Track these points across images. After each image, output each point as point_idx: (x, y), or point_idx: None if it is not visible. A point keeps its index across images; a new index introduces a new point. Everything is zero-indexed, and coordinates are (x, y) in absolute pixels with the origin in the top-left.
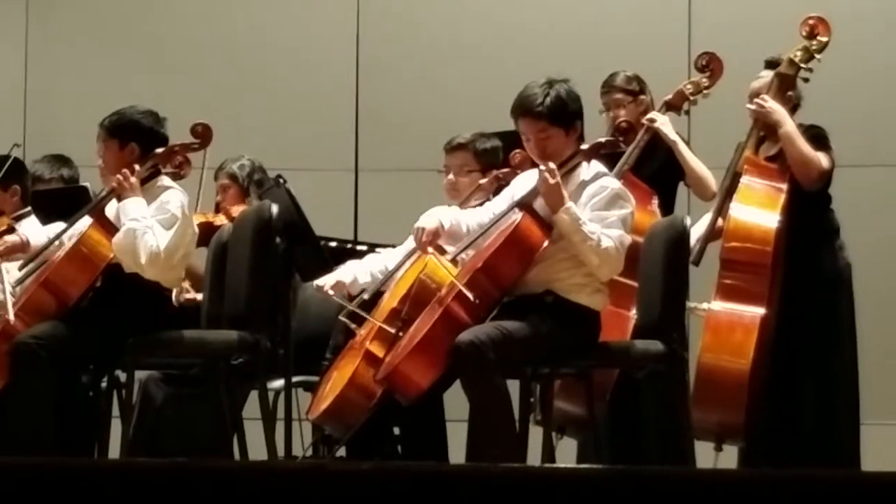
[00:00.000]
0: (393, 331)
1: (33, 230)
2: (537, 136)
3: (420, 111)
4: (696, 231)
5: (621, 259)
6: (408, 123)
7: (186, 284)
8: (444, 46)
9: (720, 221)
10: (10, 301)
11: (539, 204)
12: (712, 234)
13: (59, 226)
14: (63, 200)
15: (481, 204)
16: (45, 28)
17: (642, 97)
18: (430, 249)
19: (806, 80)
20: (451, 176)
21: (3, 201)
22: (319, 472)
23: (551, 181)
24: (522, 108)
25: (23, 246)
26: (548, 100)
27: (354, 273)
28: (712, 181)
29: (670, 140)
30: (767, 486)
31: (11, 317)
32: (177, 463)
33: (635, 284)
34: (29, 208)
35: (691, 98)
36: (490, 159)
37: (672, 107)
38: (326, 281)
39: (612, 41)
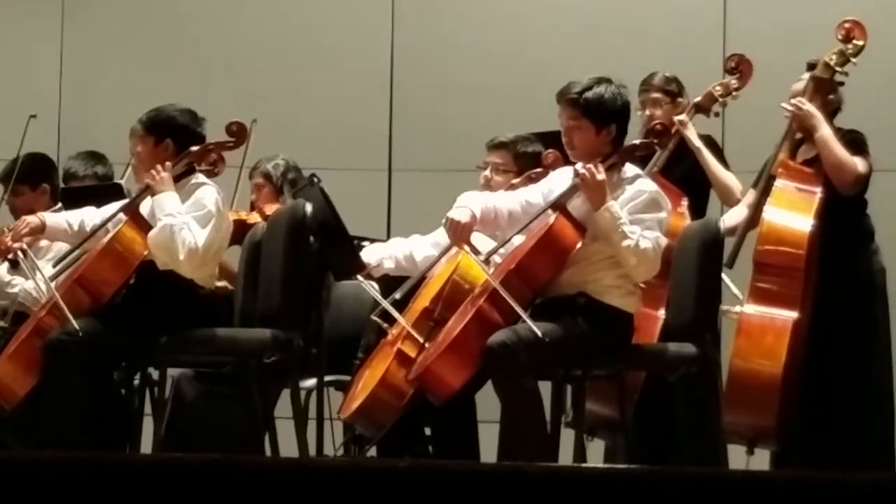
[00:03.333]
0: (422, 339)
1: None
2: (567, 124)
3: (454, 111)
4: (730, 217)
5: (658, 261)
6: (441, 123)
7: (221, 284)
8: (478, 47)
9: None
10: (42, 288)
11: (573, 205)
12: (746, 230)
13: (83, 211)
14: (96, 197)
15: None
16: (81, 26)
17: (680, 99)
18: (466, 248)
19: (841, 83)
20: (486, 172)
21: (34, 200)
22: (352, 469)
23: (597, 177)
24: (563, 92)
25: (41, 227)
26: (589, 93)
27: (380, 256)
28: (737, 188)
29: (694, 146)
30: (800, 489)
31: (57, 296)
32: (209, 459)
33: (665, 285)
34: (59, 205)
35: (721, 100)
36: (529, 163)
37: (701, 109)
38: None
39: (646, 44)
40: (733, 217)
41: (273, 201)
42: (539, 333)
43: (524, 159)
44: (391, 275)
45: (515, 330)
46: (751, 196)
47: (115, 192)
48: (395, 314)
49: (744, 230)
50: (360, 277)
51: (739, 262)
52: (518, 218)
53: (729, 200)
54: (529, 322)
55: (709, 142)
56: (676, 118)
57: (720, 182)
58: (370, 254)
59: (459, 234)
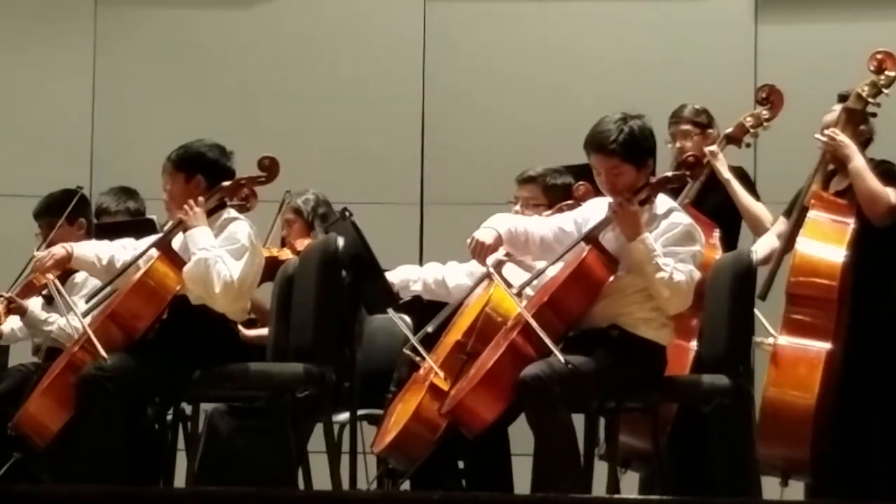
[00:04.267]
0: (444, 377)
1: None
2: (609, 173)
3: (485, 144)
4: (761, 246)
5: (691, 294)
6: (473, 157)
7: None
8: (510, 80)
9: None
10: (79, 323)
11: (606, 238)
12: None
13: (117, 244)
14: (129, 233)
15: None
16: (112, 61)
17: (710, 131)
18: (489, 264)
19: (874, 114)
20: (517, 207)
21: (70, 235)
22: (385, 502)
23: (630, 209)
24: (595, 143)
25: (67, 258)
26: (621, 136)
27: (407, 277)
28: (767, 218)
29: (723, 178)
30: None
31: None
32: (242, 493)
33: (696, 317)
34: (93, 241)
35: (752, 131)
36: (559, 195)
37: (733, 140)
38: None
39: (678, 76)
40: (763, 247)
41: (304, 236)
42: (562, 359)
43: (554, 192)
44: (423, 298)
45: (549, 363)
46: (781, 225)
47: (147, 228)
48: (423, 353)
49: (778, 261)
50: (391, 311)
51: (772, 293)
52: (550, 245)
53: (759, 231)
54: (556, 352)
55: (740, 174)
56: (707, 149)
57: (750, 213)
58: (397, 274)
59: (481, 253)
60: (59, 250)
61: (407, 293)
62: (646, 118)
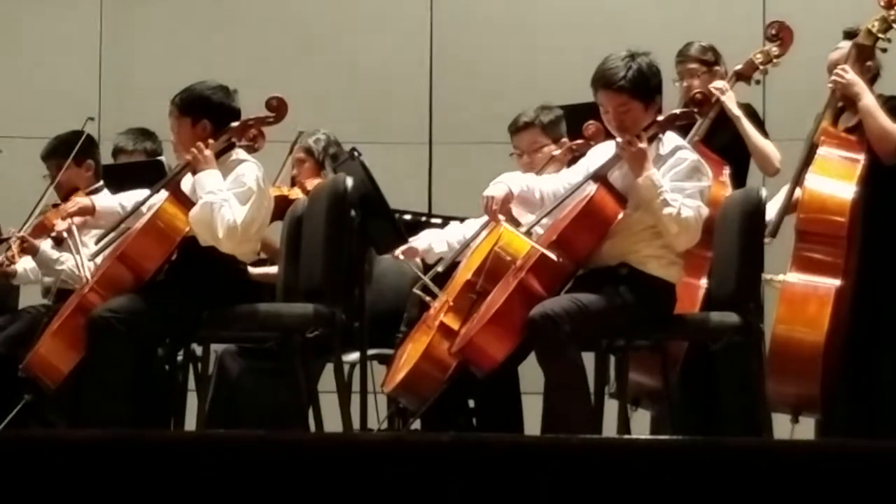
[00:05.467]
0: (467, 305)
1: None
2: (617, 110)
3: (494, 84)
4: (775, 205)
5: (699, 230)
6: (482, 97)
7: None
8: (518, 19)
9: (798, 193)
10: (84, 265)
11: (614, 176)
12: (790, 205)
13: (133, 194)
14: (137, 174)
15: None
16: (120, 3)
17: (717, 68)
18: (501, 218)
19: (884, 50)
20: (525, 157)
21: (78, 176)
22: (396, 442)
23: (639, 145)
24: (603, 80)
25: (91, 209)
26: (629, 73)
27: (430, 241)
28: (776, 157)
29: (733, 115)
30: (845, 457)
31: (87, 274)
32: (253, 434)
33: (706, 254)
34: (101, 182)
35: (761, 68)
36: (557, 129)
37: (742, 77)
38: (400, 248)
39: (687, 13)
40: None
41: (314, 176)
42: (553, 257)
43: (552, 127)
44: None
45: (559, 301)
46: None
47: (156, 169)
48: (435, 289)
49: (788, 198)
50: (401, 256)
51: (781, 231)
52: (560, 197)
53: (767, 169)
54: (544, 250)
55: (748, 111)
56: (714, 84)
57: (758, 150)
58: (422, 240)
59: (494, 209)
60: (84, 200)
61: (433, 256)
62: (652, 55)
